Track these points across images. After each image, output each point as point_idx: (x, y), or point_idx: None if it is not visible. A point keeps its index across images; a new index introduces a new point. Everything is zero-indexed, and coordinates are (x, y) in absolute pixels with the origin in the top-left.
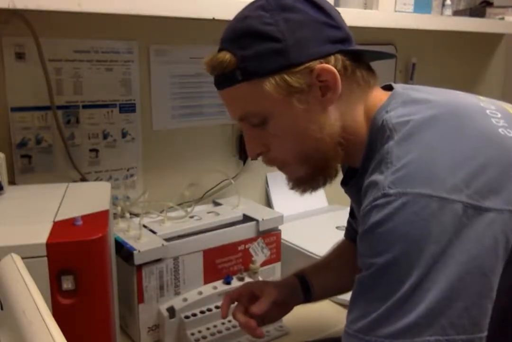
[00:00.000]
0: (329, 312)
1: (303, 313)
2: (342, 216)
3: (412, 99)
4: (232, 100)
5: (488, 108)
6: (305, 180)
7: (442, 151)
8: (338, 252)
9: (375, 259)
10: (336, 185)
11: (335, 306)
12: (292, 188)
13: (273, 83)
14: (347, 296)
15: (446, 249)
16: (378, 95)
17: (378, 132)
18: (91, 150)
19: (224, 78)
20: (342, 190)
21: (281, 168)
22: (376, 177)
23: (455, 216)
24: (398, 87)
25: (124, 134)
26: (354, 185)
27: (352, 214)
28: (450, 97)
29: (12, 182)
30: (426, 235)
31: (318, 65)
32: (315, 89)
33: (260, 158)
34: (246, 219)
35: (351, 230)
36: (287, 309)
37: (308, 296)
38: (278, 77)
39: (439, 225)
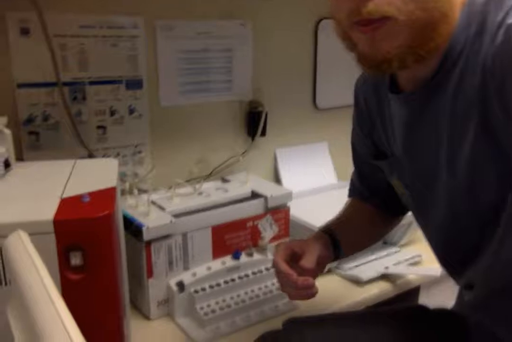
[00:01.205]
0: (337, 287)
1: None
2: None
3: None
4: None
5: None
6: (398, 51)
7: None
8: (354, 208)
9: None
10: (344, 161)
11: (343, 281)
12: (367, 64)
13: None
14: (354, 271)
15: None
16: None
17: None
18: (98, 127)
19: None
20: (351, 166)
21: (385, 21)
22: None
23: None
24: None
25: (131, 111)
26: (440, 82)
27: (373, 172)
28: None
29: (20, 159)
30: None
31: None
32: None
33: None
34: (255, 195)
35: (360, 188)
36: (322, 268)
37: (337, 253)
38: None
39: None
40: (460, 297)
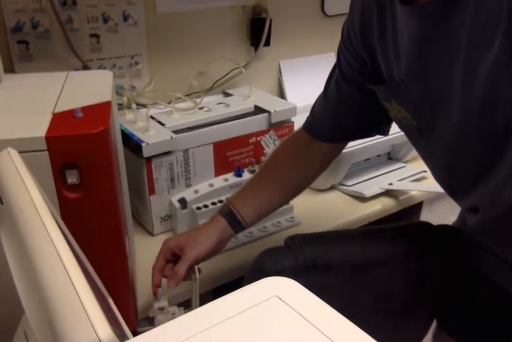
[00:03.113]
0: (340, 203)
1: (314, 205)
2: None
3: None
4: None
5: None
6: None
7: None
8: (287, 151)
9: None
10: None
11: (346, 197)
12: None
13: None
14: (358, 187)
15: None
16: None
17: None
18: (91, 35)
19: None
20: None
21: None
22: None
23: None
24: None
25: (125, 18)
26: None
27: (349, 96)
28: None
29: (11, 70)
30: None
31: None
32: None
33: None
34: (258, 110)
35: (323, 121)
36: (216, 252)
37: (240, 229)
38: None
39: None
40: (462, 216)
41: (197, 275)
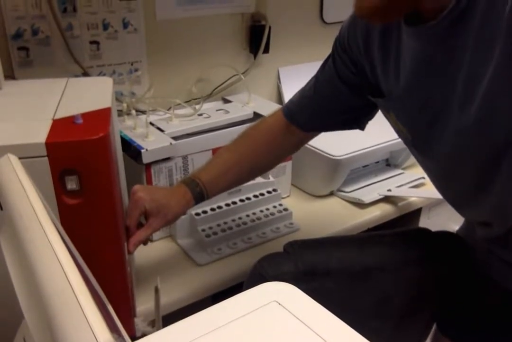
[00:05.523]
0: (339, 209)
1: (313, 211)
2: None
3: None
4: None
5: None
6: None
7: None
8: (262, 132)
9: None
10: None
11: (345, 203)
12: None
13: None
14: (356, 193)
15: None
16: None
17: None
18: (91, 42)
19: None
20: None
21: None
22: None
23: None
24: None
25: (125, 25)
26: (467, 8)
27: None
28: None
29: (11, 77)
30: None
31: None
32: None
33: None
34: (257, 117)
35: (300, 109)
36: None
37: (199, 202)
38: None
39: None
40: (468, 226)
41: (159, 286)
